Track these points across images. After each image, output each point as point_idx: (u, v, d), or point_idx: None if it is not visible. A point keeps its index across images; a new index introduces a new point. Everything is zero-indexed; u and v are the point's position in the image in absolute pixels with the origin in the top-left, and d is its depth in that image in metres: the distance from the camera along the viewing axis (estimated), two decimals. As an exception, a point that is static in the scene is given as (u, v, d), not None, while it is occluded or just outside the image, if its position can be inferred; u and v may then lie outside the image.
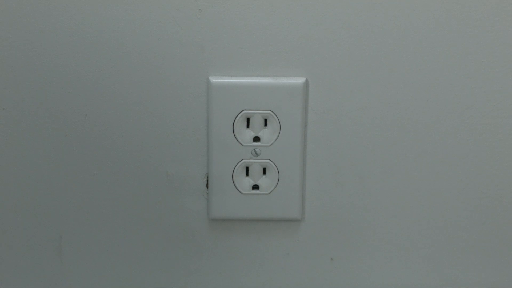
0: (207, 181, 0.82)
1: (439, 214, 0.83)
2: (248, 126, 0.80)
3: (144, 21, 0.77)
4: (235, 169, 0.81)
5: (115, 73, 0.78)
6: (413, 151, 0.81)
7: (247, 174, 0.81)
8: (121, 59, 0.78)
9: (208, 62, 0.78)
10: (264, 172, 0.81)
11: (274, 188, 0.81)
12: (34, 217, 0.83)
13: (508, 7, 0.76)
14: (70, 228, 0.84)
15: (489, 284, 0.85)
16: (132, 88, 0.79)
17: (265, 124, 0.80)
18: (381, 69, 0.78)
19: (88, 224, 0.83)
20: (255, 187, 0.82)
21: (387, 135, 0.80)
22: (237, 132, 0.79)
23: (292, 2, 0.76)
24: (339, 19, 0.77)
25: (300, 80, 0.78)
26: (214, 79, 0.78)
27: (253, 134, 0.80)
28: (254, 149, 0.80)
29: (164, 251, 0.84)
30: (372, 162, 0.81)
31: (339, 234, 0.84)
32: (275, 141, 0.80)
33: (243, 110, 0.79)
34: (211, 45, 0.78)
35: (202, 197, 0.82)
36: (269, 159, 0.80)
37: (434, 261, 0.85)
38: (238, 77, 0.78)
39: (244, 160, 0.80)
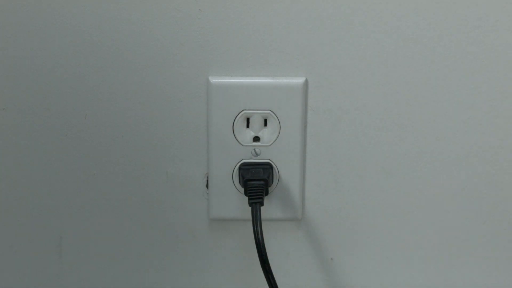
0: (207, 181, 0.82)
1: (439, 214, 0.83)
2: (248, 126, 0.80)
3: (144, 21, 0.77)
4: (235, 169, 0.81)
5: (115, 73, 0.78)
6: (413, 151, 0.81)
7: (247, 174, 0.81)
8: (121, 59, 0.78)
9: (208, 62, 0.78)
10: (264, 172, 0.81)
11: (274, 188, 0.81)
12: (34, 217, 0.83)
13: (508, 7, 0.76)
14: (70, 228, 0.84)
15: (489, 284, 0.85)
16: (132, 88, 0.79)
17: (265, 124, 0.80)
18: (381, 69, 0.78)
19: (88, 224, 0.83)
20: (255, 187, 0.82)
21: (387, 135, 0.80)
22: (237, 132, 0.79)
23: (292, 2, 0.76)
24: (339, 19, 0.77)
25: (300, 80, 0.78)
26: (214, 79, 0.78)
27: (253, 134, 0.80)
28: (254, 149, 0.80)
29: (164, 251, 0.84)
30: (372, 162, 0.81)
31: (339, 234, 0.84)
32: (275, 141, 0.80)
33: (243, 110, 0.79)
34: (211, 45, 0.78)
35: (202, 197, 0.82)
36: (269, 159, 0.80)
37: (434, 261, 0.85)
38: (238, 77, 0.78)
39: (244, 160, 0.80)
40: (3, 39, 0.77)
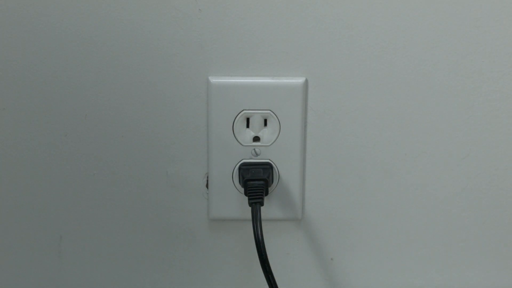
0: (207, 181, 0.82)
1: (439, 214, 0.83)
2: (248, 126, 0.80)
3: (144, 21, 0.77)
4: (235, 169, 0.81)
5: (115, 73, 0.78)
6: (413, 151, 0.81)
7: (247, 174, 0.81)
8: (121, 59, 0.78)
9: (208, 62, 0.78)
10: (264, 172, 0.81)
11: (274, 188, 0.81)
12: (34, 217, 0.83)
13: (508, 7, 0.76)
14: (70, 228, 0.84)
15: (489, 284, 0.85)
16: (132, 88, 0.79)
17: (265, 124, 0.80)
18: (381, 69, 0.78)
19: (88, 224, 0.83)
20: (255, 187, 0.82)
21: (387, 135, 0.81)
22: (237, 132, 0.79)
23: (292, 2, 0.76)
24: (339, 19, 0.77)
25: (300, 80, 0.78)
26: (214, 79, 0.78)
27: (253, 134, 0.80)
28: (254, 149, 0.80)
29: (164, 251, 0.84)
30: (372, 162, 0.81)
31: (339, 234, 0.84)
32: (275, 141, 0.80)
33: (243, 110, 0.79)
34: (211, 45, 0.78)
35: (202, 197, 0.82)
36: (269, 159, 0.80)
37: (434, 261, 0.85)
38: (238, 77, 0.79)
39: (244, 160, 0.80)
40: (3, 39, 0.77)
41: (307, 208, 0.83)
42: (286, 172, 0.81)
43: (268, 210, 0.82)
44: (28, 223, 0.83)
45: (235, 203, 0.82)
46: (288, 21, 0.77)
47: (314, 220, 0.84)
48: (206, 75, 0.79)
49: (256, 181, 0.79)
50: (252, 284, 0.86)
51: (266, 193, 0.79)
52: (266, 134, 0.80)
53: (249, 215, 0.77)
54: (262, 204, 0.78)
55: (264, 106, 0.79)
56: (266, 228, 0.81)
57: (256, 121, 0.79)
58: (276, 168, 0.81)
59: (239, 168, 0.80)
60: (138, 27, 0.77)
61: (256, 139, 0.80)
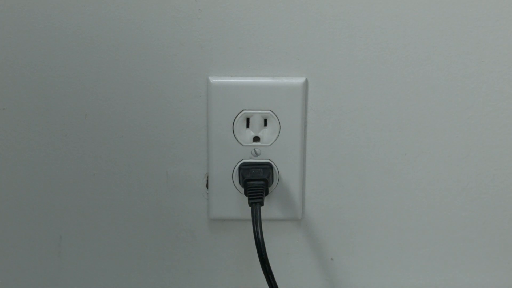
0: (207, 181, 0.82)
1: (439, 214, 0.83)
2: (248, 126, 0.80)
3: (144, 21, 0.77)
4: (235, 169, 0.81)
5: (115, 73, 0.78)
6: (413, 151, 0.81)
7: (247, 174, 0.81)
8: (121, 59, 0.78)
9: (208, 62, 0.78)
10: (264, 172, 0.81)
11: (274, 188, 0.81)
12: (34, 217, 0.83)
13: (508, 7, 0.76)
14: (70, 228, 0.84)
15: (489, 284, 0.85)
16: (132, 88, 0.79)
17: (265, 124, 0.80)
18: (381, 69, 0.78)
19: (88, 224, 0.83)
20: (255, 187, 0.82)
21: (387, 135, 0.81)
22: (237, 132, 0.79)
23: (292, 2, 0.76)
24: (339, 19, 0.77)
25: (300, 80, 0.78)
26: (213, 79, 0.78)
27: (253, 134, 0.80)
28: (254, 149, 0.80)
29: (164, 251, 0.84)
30: (372, 162, 0.81)
31: (339, 234, 0.84)
32: (275, 141, 0.80)
33: (243, 110, 0.79)
34: (211, 45, 0.78)
35: (202, 197, 0.83)
36: (269, 159, 0.80)
37: (434, 261, 0.85)
38: (238, 77, 0.79)
39: (244, 160, 0.80)
40: (3, 39, 0.77)
41: (307, 208, 0.83)
42: (286, 172, 0.81)
43: (268, 210, 0.82)
44: (28, 223, 0.83)
45: (235, 203, 0.82)
46: (288, 21, 0.77)
47: (314, 220, 0.84)
48: (206, 75, 0.79)
49: (256, 181, 0.79)
50: (252, 284, 0.86)
51: (266, 193, 0.79)
52: (266, 134, 0.80)
53: (249, 215, 0.77)
54: (262, 204, 0.78)
55: (264, 106, 0.79)
56: (266, 228, 0.81)
57: (256, 121, 0.79)
58: (276, 168, 0.81)
59: (239, 168, 0.80)
60: (138, 27, 0.77)
61: (256, 139, 0.80)
